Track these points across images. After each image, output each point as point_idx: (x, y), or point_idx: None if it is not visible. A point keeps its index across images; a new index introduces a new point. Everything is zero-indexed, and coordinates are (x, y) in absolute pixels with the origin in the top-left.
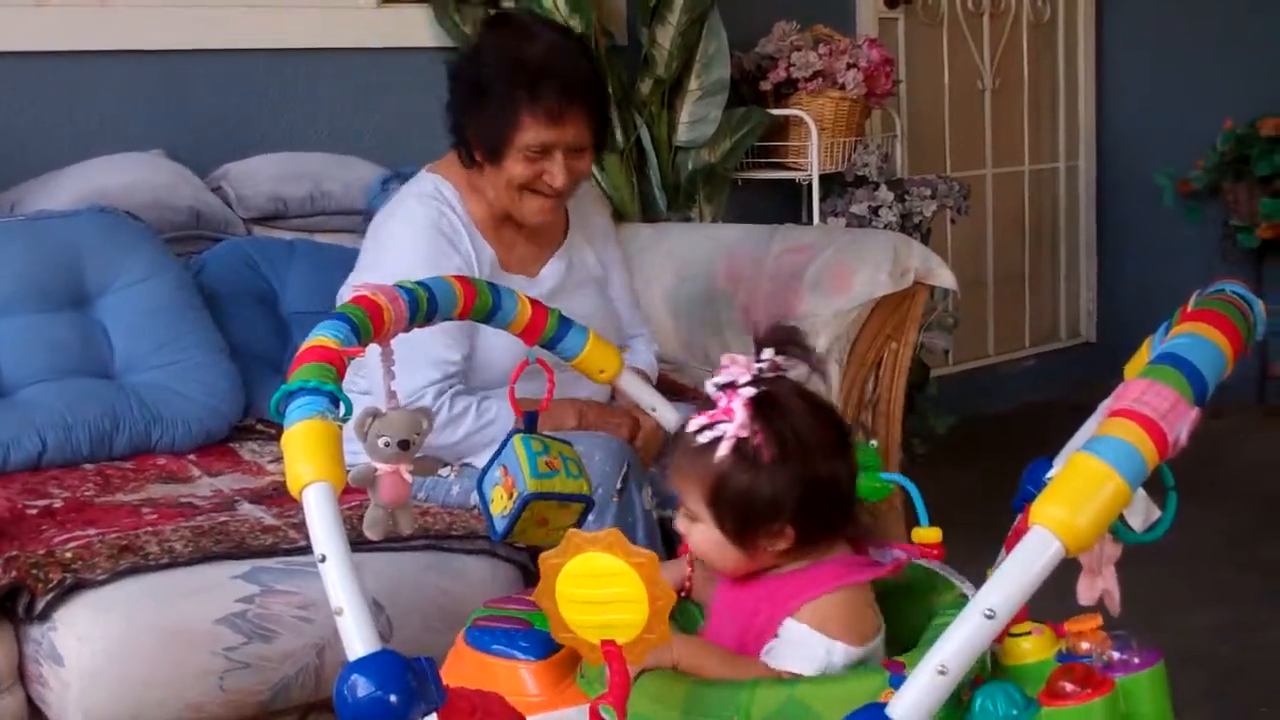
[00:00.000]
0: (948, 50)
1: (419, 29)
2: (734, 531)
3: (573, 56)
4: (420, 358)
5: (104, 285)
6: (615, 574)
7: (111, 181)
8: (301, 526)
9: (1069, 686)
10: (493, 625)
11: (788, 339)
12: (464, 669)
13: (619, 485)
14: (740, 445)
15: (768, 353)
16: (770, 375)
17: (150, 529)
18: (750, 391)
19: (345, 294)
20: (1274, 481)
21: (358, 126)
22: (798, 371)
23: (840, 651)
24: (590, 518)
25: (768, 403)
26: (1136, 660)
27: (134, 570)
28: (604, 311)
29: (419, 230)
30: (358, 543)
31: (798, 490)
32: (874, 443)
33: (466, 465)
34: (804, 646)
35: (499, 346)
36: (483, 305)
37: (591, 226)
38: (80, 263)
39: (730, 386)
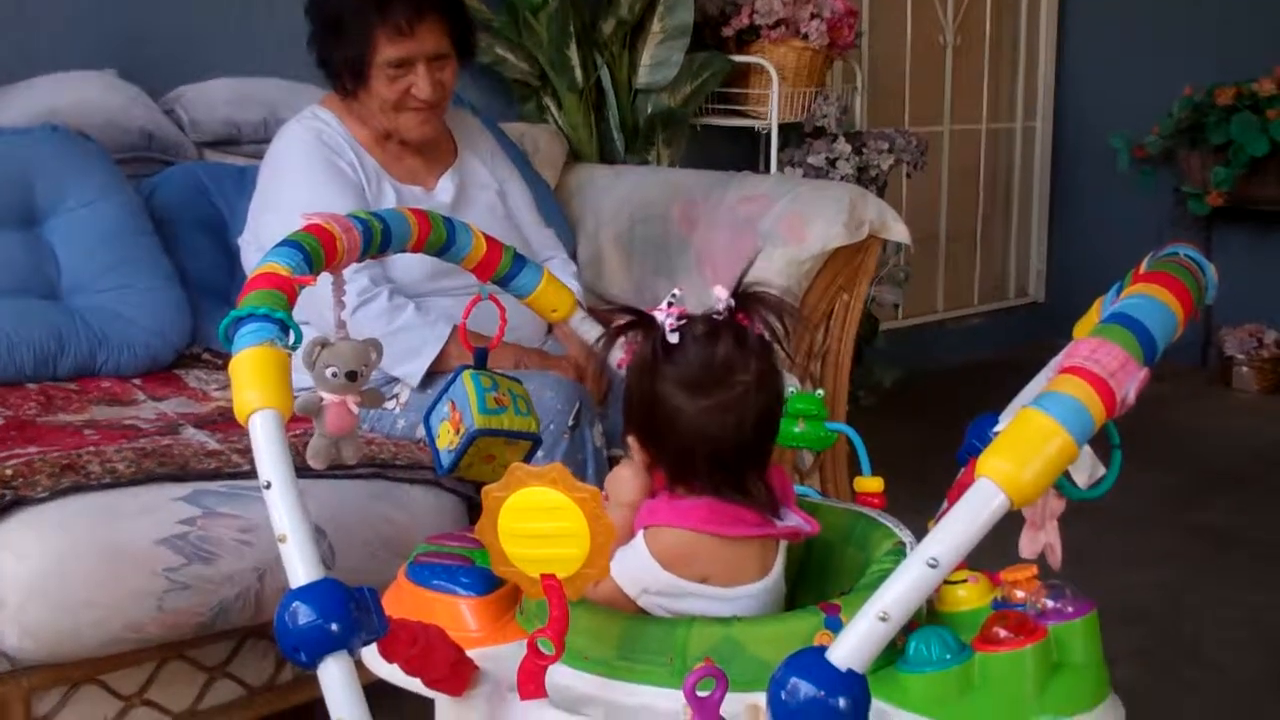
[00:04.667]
0: (911, 4)
1: None
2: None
3: None
4: None
5: (54, 205)
6: (557, 508)
7: (63, 100)
8: (246, 452)
9: (1002, 633)
10: (434, 561)
11: (764, 304)
12: (404, 604)
13: (570, 422)
14: (643, 339)
15: (720, 299)
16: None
17: (93, 449)
18: (678, 311)
19: (248, 239)
20: (1214, 446)
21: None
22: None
23: (666, 580)
24: (540, 454)
25: (677, 325)
26: (1070, 609)
27: (75, 489)
28: (506, 227)
29: (303, 141)
30: (302, 470)
31: (642, 406)
32: (820, 391)
33: (414, 393)
34: (632, 552)
35: (404, 260)
36: (437, 239)
37: (479, 146)
38: (30, 181)
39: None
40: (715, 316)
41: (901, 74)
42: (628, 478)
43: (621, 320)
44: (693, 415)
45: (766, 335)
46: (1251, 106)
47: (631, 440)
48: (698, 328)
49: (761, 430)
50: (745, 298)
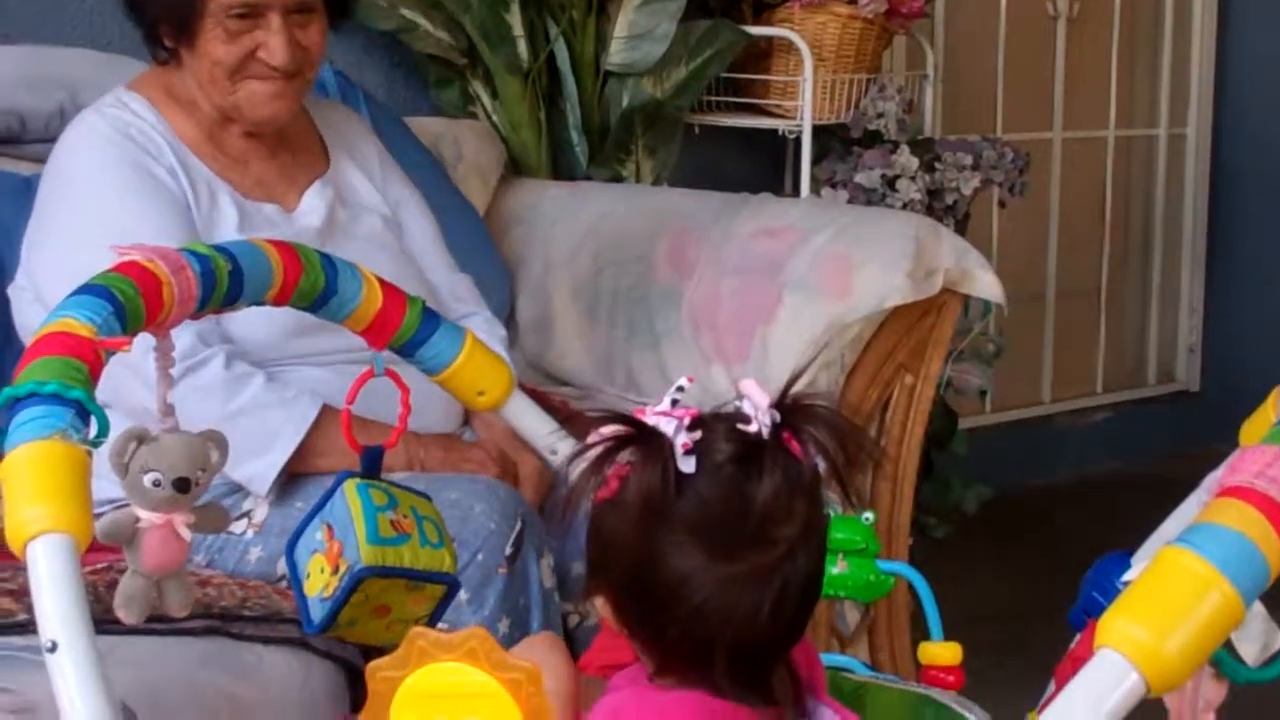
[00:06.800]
0: None
1: None
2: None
3: None
4: None
5: None
6: (479, 696)
7: None
8: (22, 596)
9: None
10: None
11: (823, 424)
12: None
13: (509, 550)
14: (643, 464)
15: (757, 406)
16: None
17: None
18: (690, 416)
19: (22, 283)
20: None
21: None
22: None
23: None
24: (463, 596)
25: (693, 444)
26: None
27: None
28: (400, 268)
29: (102, 137)
30: (105, 622)
31: (629, 562)
32: (869, 515)
33: (273, 510)
34: None
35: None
36: (310, 286)
37: (360, 150)
38: None
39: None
40: (744, 429)
41: (992, 57)
42: (549, 658)
43: (612, 433)
44: (712, 586)
45: (822, 467)
46: None
47: (602, 604)
48: (721, 447)
49: (804, 605)
50: (797, 411)
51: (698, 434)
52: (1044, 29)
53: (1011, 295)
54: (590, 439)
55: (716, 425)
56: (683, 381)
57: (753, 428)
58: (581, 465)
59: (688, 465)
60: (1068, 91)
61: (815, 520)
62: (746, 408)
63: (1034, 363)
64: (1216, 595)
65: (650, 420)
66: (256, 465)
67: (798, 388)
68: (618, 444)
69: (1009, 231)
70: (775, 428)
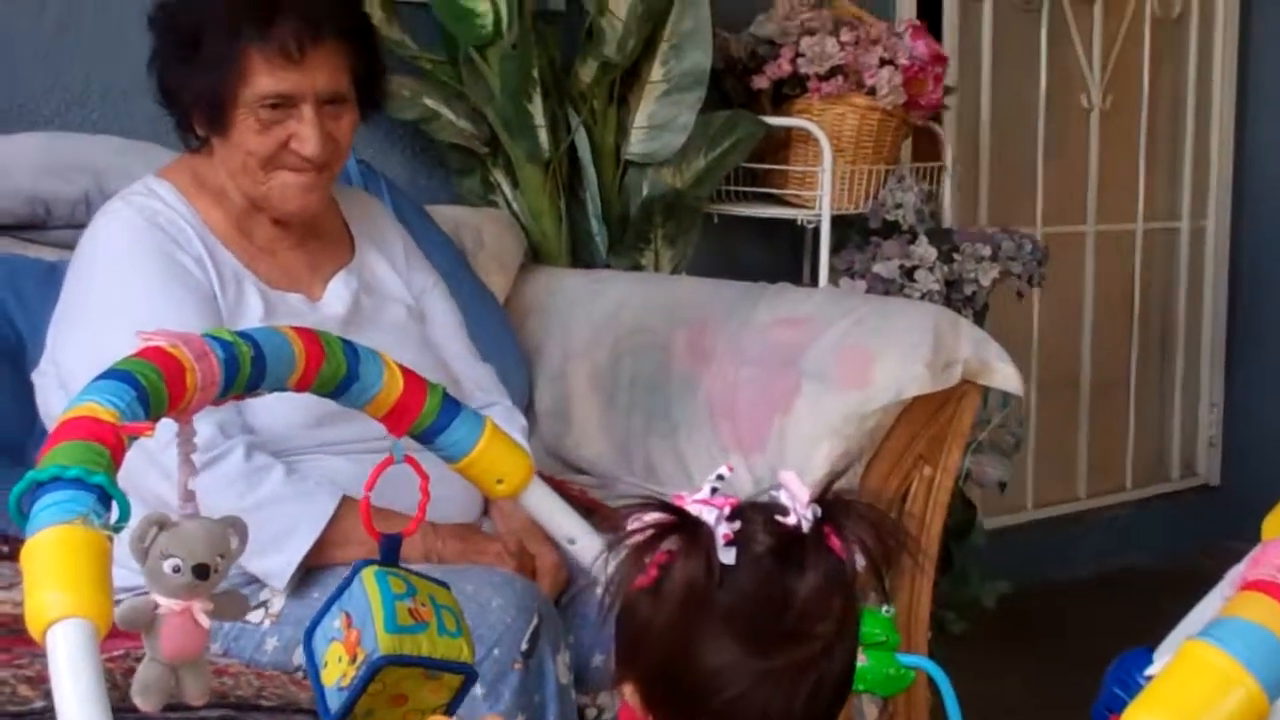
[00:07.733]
0: (1021, 48)
1: None
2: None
3: None
4: None
5: None
6: None
7: None
8: (39, 683)
9: None
10: None
11: (863, 522)
12: None
13: (525, 645)
14: (685, 555)
15: (797, 499)
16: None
17: None
18: (731, 505)
19: (46, 370)
20: None
21: None
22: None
23: None
24: (478, 691)
25: (733, 536)
26: None
27: None
28: (422, 358)
29: (130, 227)
30: (122, 710)
31: (664, 654)
32: (890, 609)
33: (290, 600)
34: None
35: (272, 399)
36: (332, 372)
37: (385, 240)
38: None
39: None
40: (782, 520)
41: (1018, 149)
42: None
43: (654, 521)
44: (747, 680)
45: (860, 564)
46: None
47: (631, 692)
48: (760, 539)
49: (836, 702)
50: (839, 508)
51: (737, 524)
52: (1078, 122)
53: (1041, 385)
54: (631, 525)
55: (754, 516)
56: (723, 470)
57: (791, 520)
58: (622, 552)
59: (728, 556)
60: (1102, 183)
61: (851, 618)
62: (784, 499)
63: (1057, 456)
64: (1241, 691)
65: (693, 509)
66: (273, 561)
67: (815, 476)
68: (660, 532)
69: (1030, 322)
70: (816, 522)
